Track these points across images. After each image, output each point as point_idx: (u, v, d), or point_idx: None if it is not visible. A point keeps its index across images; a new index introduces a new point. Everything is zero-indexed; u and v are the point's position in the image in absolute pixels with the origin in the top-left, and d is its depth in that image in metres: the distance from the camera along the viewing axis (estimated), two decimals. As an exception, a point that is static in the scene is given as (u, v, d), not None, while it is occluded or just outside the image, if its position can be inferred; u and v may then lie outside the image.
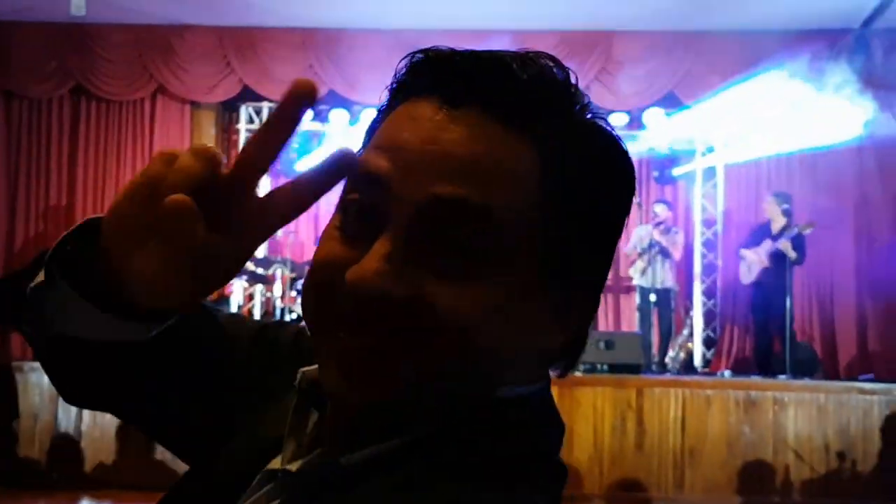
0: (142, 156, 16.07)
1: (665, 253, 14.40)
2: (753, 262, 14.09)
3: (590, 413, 12.06)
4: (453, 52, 1.27)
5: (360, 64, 15.28)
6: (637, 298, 14.82)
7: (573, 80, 1.29)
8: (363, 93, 15.26)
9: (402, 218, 1.18)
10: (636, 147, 15.27)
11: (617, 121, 15.28)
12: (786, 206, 13.86)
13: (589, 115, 1.30)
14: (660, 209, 14.70)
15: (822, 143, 14.19)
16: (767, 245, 13.86)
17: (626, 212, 1.35)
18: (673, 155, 15.70)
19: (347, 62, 15.36)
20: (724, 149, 15.42)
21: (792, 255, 13.63)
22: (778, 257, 13.72)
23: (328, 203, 1.28)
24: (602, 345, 12.84)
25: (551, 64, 1.27)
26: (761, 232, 14.23)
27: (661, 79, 15.01)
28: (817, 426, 12.02)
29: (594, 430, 12.02)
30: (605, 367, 12.70)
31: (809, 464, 11.95)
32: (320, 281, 1.26)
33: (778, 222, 13.88)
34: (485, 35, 14.67)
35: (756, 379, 12.97)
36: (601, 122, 1.31)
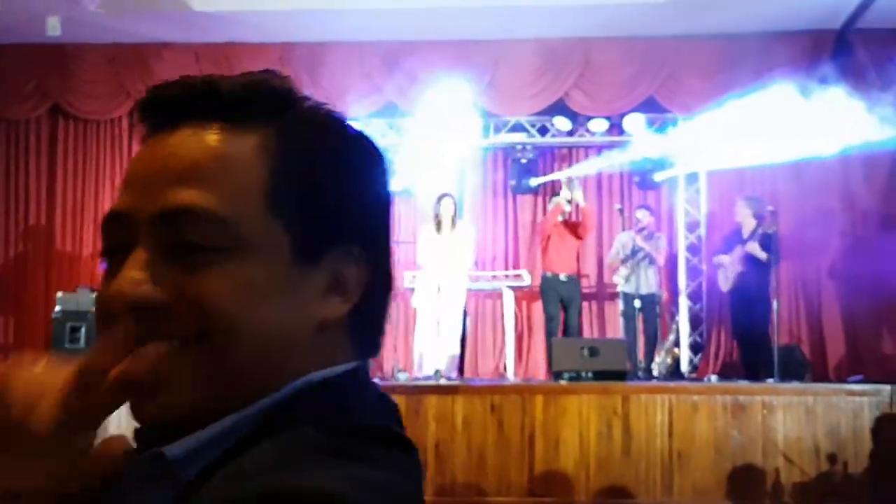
0: (121, 174, 15.89)
1: (649, 259, 14.49)
2: (728, 268, 14.19)
3: (575, 421, 12.06)
4: (167, 84, 1.36)
5: (341, 77, 15.38)
6: (621, 305, 14.85)
7: (292, 87, 1.40)
8: (343, 106, 15.18)
9: (145, 230, 1.27)
10: (618, 153, 15.35)
11: (597, 126, 15.54)
12: (756, 209, 13.97)
13: (316, 109, 1.42)
14: (642, 215, 14.76)
15: (807, 152, 14.24)
16: (738, 250, 13.97)
17: (375, 188, 1.45)
18: (655, 160, 15.69)
19: (326, 76, 15.37)
20: (706, 154, 15.41)
21: (762, 256, 13.71)
22: (751, 261, 13.80)
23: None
24: (586, 352, 12.88)
25: (268, 76, 1.39)
26: (734, 238, 14.33)
27: (642, 84, 15.13)
28: (807, 429, 12.07)
29: (580, 437, 12.04)
30: (590, 374, 12.69)
31: (800, 467, 11.99)
32: (100, 316, 1.31)
33: (748, 226, 13.98)
34: (464, 45, 14.93)
35: (744, 383, 13.03)
36: (328, 113, 1.42)
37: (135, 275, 1.24)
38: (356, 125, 1.45)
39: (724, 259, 14.26)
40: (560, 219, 14.80)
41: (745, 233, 14.00)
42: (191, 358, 1.25)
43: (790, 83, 14.32)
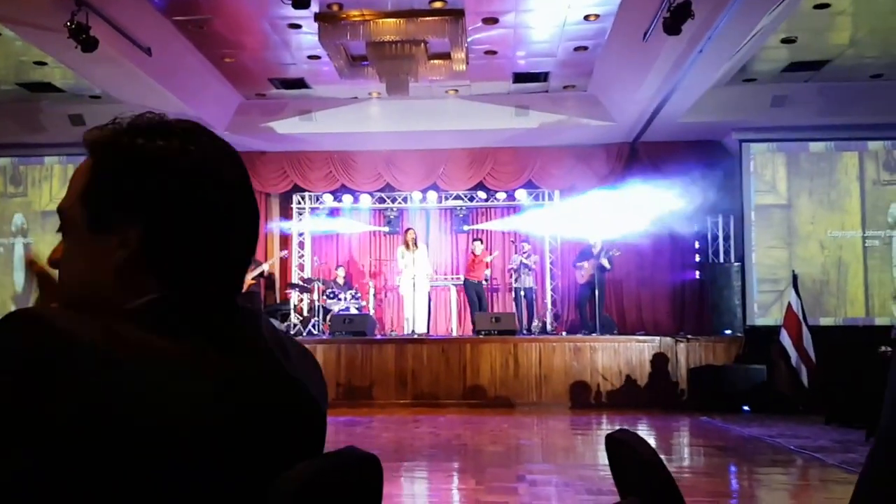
0: None
1: (528, 268, 14.41)
2: (587, 270, 14.01)
3: (488, 357, 12.32)
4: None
5: (362, 171, 15.27)
6: (513, 294, 14.79)
7: (109, 137, 1.22)
8: (360, 187, 15.51)
9: None
10: (511, 211, 15.43)
11: (500, 196, 15.67)
12: (601, 240, 13.99)
13: (130, 146, 1.21)
14: (526, 246, 14.73)
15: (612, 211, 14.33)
16: (593, 261, 13.86)
17: (158, 184, 1.18)
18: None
19: (353, 170, 15.23)
20: (559, 216, 15.39)
21: (608, 266, 13.76)
22: (601, 267, 13.78)
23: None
24: (493, 320, 13.00)
25: (96, 133, 1.24)
26: (587, 252, 14.14)
27: (524, 173, 14.91)
28: (614, 360, 12.41)
29: (490, 367, 12.29)
30: (496, 331, 12.70)
31: (611, 382, 12.34)
32: None
33: (597, 248, 13.90)
34: (428, 152, 14.78)
35: (579, 336, 12.98)
36: (137, 147, 1.20)
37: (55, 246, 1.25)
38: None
39: (585, 266, 14.10)
40: (473, 255, 14.74)
41: (595, 251, 13.92)
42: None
43: (607, 171, 14.61)
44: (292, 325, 14.37)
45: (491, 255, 15.12)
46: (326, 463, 1.04)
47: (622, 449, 1.36)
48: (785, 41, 11.25)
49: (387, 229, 16.23)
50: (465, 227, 15.83)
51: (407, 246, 14.32)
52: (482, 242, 15.07)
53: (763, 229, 13.71)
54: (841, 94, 12.94)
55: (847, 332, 12.90)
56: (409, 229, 14.68)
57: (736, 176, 14.09)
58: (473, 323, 14.06)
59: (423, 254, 14.59)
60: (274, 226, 16.15)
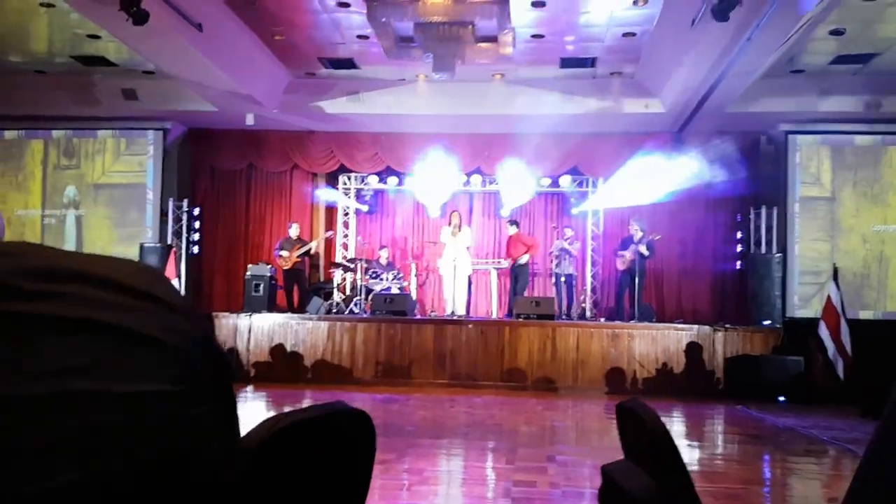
0: (284, 204, 16.04)
1: (570, 254, 14.27)
2: (626, 258, 13.82)
3: (526, 341, 12.25)
4: None
5: (408, 153, 15.16)
6: (553, 279, 14.67)
7: None
8: (408, 168, 15.44)
9: None
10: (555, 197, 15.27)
11: (544, 182, 15.44)
12: (641, 226, 13.76)
13: None
14: (567, 231, 14.59)
15: (655, 198, 14.27)
16: (633, 248, 13.67)
17: None
18: (576, 202, 15.63)
19: (401, 152, 15.18)
20: (602, 199, 15.31)
21: (646, 253, 13.57)
22: (639, 255, 13.61)
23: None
24: (533, 304, 12.89)
25: None
26: (628, 241, 13.97)
27: (569, 159, 14.86)
28: (652, 348, 12.28)
29: (528, 350, 12.22)
30: (535, 316, 12.58)
31: (647, 369, 12.22)
32: None
33: (637, 235, 13.73)
34: (467, 136, 14.70)
35: (618, 322, 12.88)
36: None
37: None
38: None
39: (625, 254, 13.82)
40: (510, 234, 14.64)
41: (636, 238, 13.72)
42: None
43: (653, 158, 14.35)
44: (335, 304, 14.33)
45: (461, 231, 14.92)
46: (302, 416, 0.85)
47: (630, 417, 1.33)
48: (833, 33, 11.05)
49: (439, 213, 16.05)
50: (503, 213, 15.66)
51: (453, 229, 14.18)
52: (517, 225, 14.88)
53: (807, 221, 13.59)
54: (888, 87, 12.76)
55: (886, 326, 12.77)
56: (453, 212, 14.52)
57: (781, 167, 13.95)
58: (510, 306, 14.00)
59: (466, 236, 14.41)
60: (320, 204, 16.13)
